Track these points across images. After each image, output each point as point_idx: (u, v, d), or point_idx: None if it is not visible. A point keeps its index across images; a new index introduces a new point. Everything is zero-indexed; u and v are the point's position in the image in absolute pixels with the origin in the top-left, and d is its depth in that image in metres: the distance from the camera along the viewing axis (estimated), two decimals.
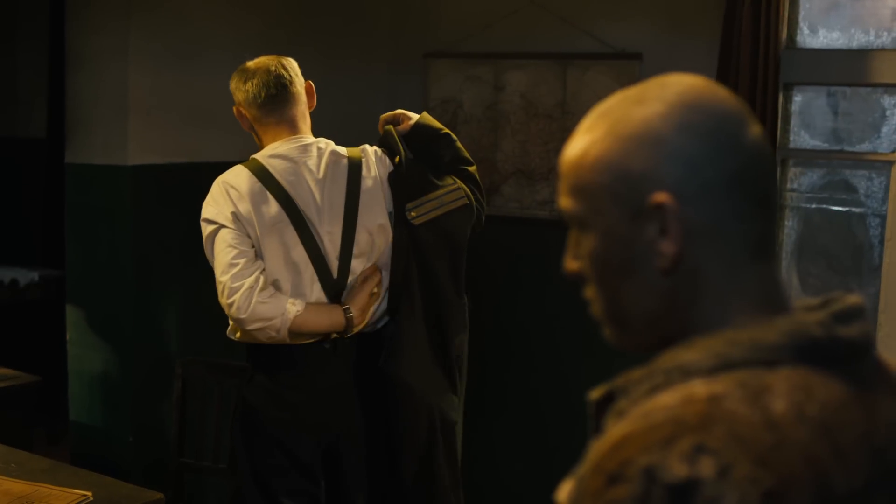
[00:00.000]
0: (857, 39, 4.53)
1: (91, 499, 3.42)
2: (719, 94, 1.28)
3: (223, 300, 3.25)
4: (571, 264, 1.35)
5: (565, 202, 1.31)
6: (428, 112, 5.20)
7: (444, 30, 5.21)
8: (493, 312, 5.04)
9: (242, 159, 4.68)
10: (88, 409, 4.45)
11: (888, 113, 4.47)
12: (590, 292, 1.34)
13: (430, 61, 5.19)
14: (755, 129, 1.27)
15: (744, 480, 1.05)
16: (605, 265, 1.28)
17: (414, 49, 5.19)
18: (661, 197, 1.21)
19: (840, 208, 4.66)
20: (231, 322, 3.35)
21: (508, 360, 5.19)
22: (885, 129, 4.48)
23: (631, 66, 4.76)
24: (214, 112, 4.60)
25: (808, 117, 4.68)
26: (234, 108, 3.47)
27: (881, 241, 4.48)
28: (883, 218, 4.48)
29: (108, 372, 4.37)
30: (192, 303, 4.55)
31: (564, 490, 1.23)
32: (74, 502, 3.33)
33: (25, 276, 5.81)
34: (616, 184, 1.25)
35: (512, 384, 5.23)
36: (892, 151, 4.41)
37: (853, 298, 1.28)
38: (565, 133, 4.85)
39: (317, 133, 5.11)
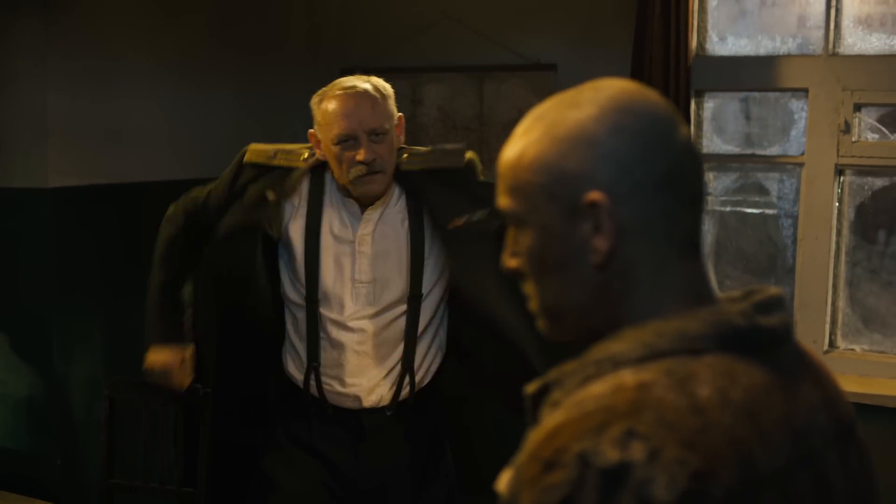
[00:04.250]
0: (764, 46, 4.63)
1: None
2: (650, 97, 1.33)
3: None
4: (510, 262, 1.40)
5: (504, 201, 1.37)
6: None
7: (360, 45, 5.24)
8: None
9: (164, 179, 4.69)
10: (14, 433, 4.40)
11: (796, 117, 4.58)
12: (528, 288, 1.39)
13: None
14: (684, 131, 1.32)
15: (672, 462, 1.10)
16: (542, 261, 1.34)
17: (331, 65, 5.21)
18: (594, 196, 1.26)
19: (754, 210, 4.76)
20: None
21: None
22: (793, 133, 4.59)
23: (546, 77, 4.82)
24: (134, 133, 4.59)
25: (720, 123, 4.78)
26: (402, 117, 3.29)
27: (794, 241, 4.58)
28: (795, 218, 4.58)
29: (33, 396, 4.33)
30: (116, 323, 4.52)
31: (504, 479, 1.27)
32: None
33: None
34: (552, 183, 1.30)
35: None
36: (802, 154, 4.52)
37: (773, 290, 1.35)
38: (483, 144, 4.90)
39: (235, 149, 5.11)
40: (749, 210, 4.77)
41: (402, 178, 3.29)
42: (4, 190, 4.30)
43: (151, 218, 4.65)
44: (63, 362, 4.32)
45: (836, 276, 4.55)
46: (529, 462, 1.18)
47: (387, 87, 3.24)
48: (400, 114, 3.26)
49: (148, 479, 4.03)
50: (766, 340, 1.28)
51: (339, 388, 3.29)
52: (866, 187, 4.50)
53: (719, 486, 1.11)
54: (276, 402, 3.45)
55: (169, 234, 3.52)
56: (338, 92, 3.17)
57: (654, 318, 1.28)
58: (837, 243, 4.52)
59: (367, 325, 3.26)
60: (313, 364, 3.30)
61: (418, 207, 3.28)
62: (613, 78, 1.37)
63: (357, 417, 3.30)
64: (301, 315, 3.31)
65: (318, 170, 3.31)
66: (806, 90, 4.48)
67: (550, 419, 1.20)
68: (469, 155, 3.37)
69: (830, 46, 4.44)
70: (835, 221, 4.48)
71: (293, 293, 3.32)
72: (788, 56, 4.54)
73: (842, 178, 4.49)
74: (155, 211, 4.66)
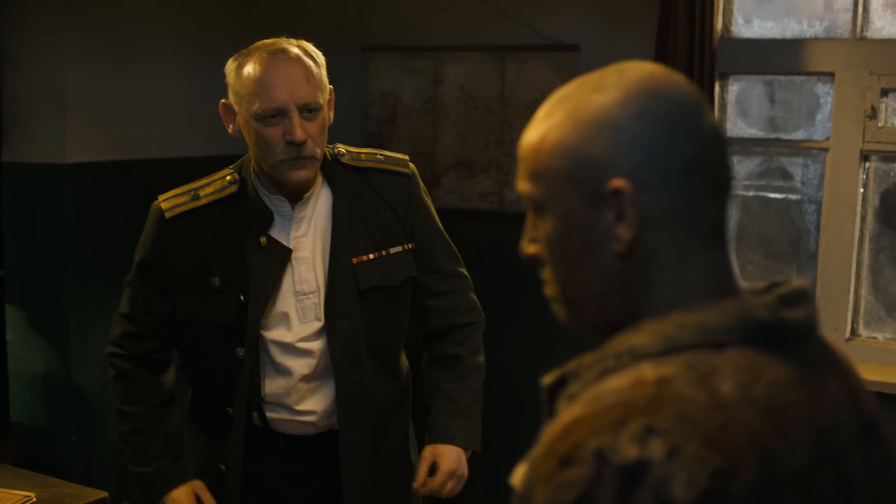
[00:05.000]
0: (791, 29, 4.58)
1: (34, 499, 3.39)
2: (676, 81, 1.30)
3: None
4: (528, 248, 1.36)
5: (524, 186, 1.33)
6: (368, 106, 5.22)
7: (382, 24, 5.21)
8: None
9: (183, 156, 4.68)
10: (30, 409, 4.41)
11: (822, 101, 4.53)
12: (546, 274, 1.35)
13: (369, 55, 5.19)
14: (711, 116, 1.29)
15: (692, 460, 1.07)
16: (562, 248, 1.30)
17: (352, 44, 5.19)
18: (618, 183, 1.23)
19: (777, 195, 4.72)
20: None
21: None
22: (819, 117, 4.54)
23: (568, 58, 4.78)
24: (152, 108, 4.57)
25: (744, 106, 4.73)
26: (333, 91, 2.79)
27: (817, 227, 4.54)
28: (819, 204, 4.54)
29: (49, 372, 4.33)
30: None
31: (518, 473, 1.25)
32: (18, 503, 3.31)
33: None
34: (574, 169, 1.26)
35: None
36: (827, 139, 4.47)
37: (798, 282, 1.31)
38: (504, 125, 4.87)
39: None
40: (772, 195, 4.72)
41: (333, 170, 2.82)
42: (23, 165, 4.30)
43: None
44: (80, 339, 4.32)
45: (859, 264, 4.50)
46: (545, 457, 1.15)
47: (319, 55, 2.73)
48: (331, 86, 2.74)
49: None
50: (790, 335, 1.24)
51: (287, 415, 2.80)
52: (892, 173, 4.45)
53: (740, 485, 1.09)
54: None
55: (119, 379, 2.98)
56: (264, 55, 2.63)
57: (675, 309, 1.25)
58: (861, 230, 4.48)
59: (316, 344, 2.77)
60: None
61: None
62: (639, 61, 1.33)
63: (314, 444, 2.84)
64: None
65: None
66: (832, 74, 4.43)
67: (567, 413, 1.18)
68: (412, 167, 2.95)
69: (858, 30, 4.39)
70: (859, 208, 4.43)
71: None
72: (815, 39, 4.49)
73: (867, 164, 4.44)
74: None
